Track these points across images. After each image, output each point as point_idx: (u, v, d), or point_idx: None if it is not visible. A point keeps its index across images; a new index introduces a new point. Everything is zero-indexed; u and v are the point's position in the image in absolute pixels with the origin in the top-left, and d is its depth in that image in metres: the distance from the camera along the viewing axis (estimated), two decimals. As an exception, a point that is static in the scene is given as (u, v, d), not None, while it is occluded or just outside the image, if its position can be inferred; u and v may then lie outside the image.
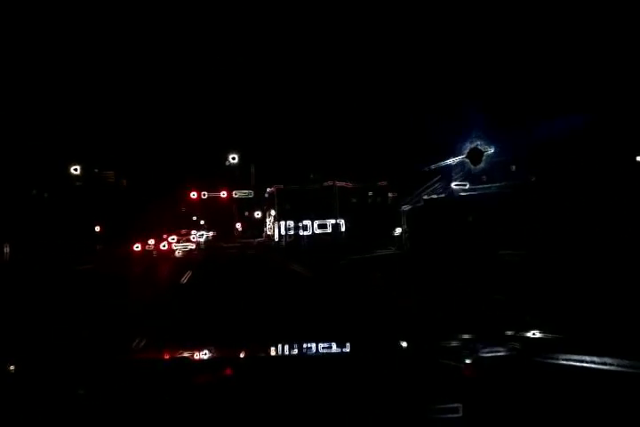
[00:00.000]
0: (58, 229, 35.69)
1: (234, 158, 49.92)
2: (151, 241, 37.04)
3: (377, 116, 47.43)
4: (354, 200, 54.51)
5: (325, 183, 54.76)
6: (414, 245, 19.19)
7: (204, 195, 53.47)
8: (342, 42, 56.33)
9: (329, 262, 20.03)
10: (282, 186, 54.77)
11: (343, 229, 53.88)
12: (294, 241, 48.86)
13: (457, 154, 18.61)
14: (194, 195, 52.86)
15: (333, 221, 54.50)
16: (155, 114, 56.48)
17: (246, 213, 65.17)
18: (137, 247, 34.28)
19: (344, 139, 49.72)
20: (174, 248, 40.03)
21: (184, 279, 16.03)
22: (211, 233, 77.58)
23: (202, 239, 63.91)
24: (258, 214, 62.34)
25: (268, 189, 57.33)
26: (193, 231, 62.15)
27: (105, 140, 45.16)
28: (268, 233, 60.21)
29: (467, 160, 17.85)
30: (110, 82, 52.70)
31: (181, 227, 54.61)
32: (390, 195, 56.03)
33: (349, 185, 54.94)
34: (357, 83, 52.27)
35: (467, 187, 18.39)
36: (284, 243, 50.98)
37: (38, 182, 34.82)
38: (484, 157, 17.17)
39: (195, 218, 71.87)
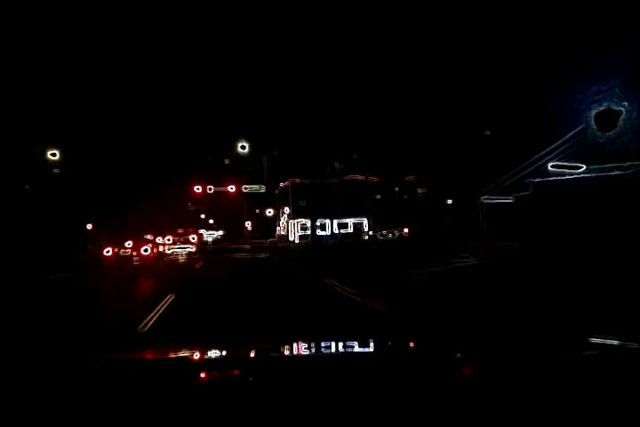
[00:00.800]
0: (35, 226, 29.81)
1: (243, 147, 43.76)
2: (128, 243, 26.92)
3: (403, 103, 41.22)
4: (378, 196, 48.02)
5: (346, 177, 48.49)
6: (527, 255, 12.69)
7: (210, 189, 47.47)
8: (368, 24, 49.86)
9: (391, 280, 12.70)
10: (297, 180, 48.63)
11: (366, 228, 47.60)
12: (314, 242, 42.60)
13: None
14: (198, 189, 46.90)
15: (355, 220, 48.26)
16: (159, 99, 50.76)
17: (257, 211, 59.05)
18: (107, 252, 25.41)
19: (365, 129, 43.37)
20: (168, 251, 32.83)
21: (153, 316, 8.85)
22: (220, 232, 72.05)
23: (210, 239, 58.04)
24: (270, 212, 56.18)
25: (282, 184, 51.15)
26: (202, 231, 56.18)
27: (97, 124, 39.32)
28: (282, 233, 54.10)
29: (593, 126, 11.71)
30: (113, 66, 47.08)
31: (189, 225, 48.42)
32: (420, 190, 49.54)
33: (373, 179, 48.59)
34: (374, 68, 46.13)
35: (582, 169, 12.32)
36: (296, 244, 44.77)
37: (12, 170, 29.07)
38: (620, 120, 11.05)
39: (203, 216, 66.14)
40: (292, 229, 48.02)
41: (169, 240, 34.24)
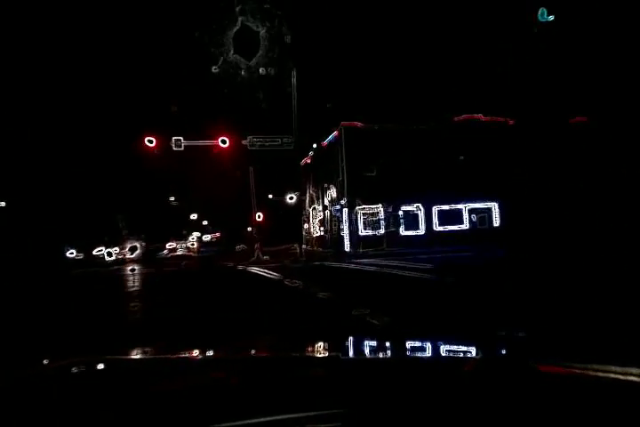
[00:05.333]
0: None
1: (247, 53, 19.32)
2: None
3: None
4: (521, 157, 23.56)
5: (457, 118, 23.86)
6: None
7: (179, 144, 22.97)
8: None
9: None
10: (358, 124, 23.95)
11: (498, 221, 23.24)
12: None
13: None
14: (151, 142, 22.40)
15: (477, 205, 23.78)
16: None
17: (270, 196, 34.20)
18: None
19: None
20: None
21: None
22: (209, 236, 47.61)
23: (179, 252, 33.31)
24: (292, 198, 31.33)
25: (329, 138, 26.30)
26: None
27: None
28: (318, 233, 29.43)
29: None
30: None
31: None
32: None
33: (508, 121, 24.08)
34: None
35: None
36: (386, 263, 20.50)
37: None
38: None
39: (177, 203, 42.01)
40: (347, 224, 23.38)
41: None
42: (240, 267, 18.79)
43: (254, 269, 16.55)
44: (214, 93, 23.42)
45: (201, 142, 23.18)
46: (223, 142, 22.67)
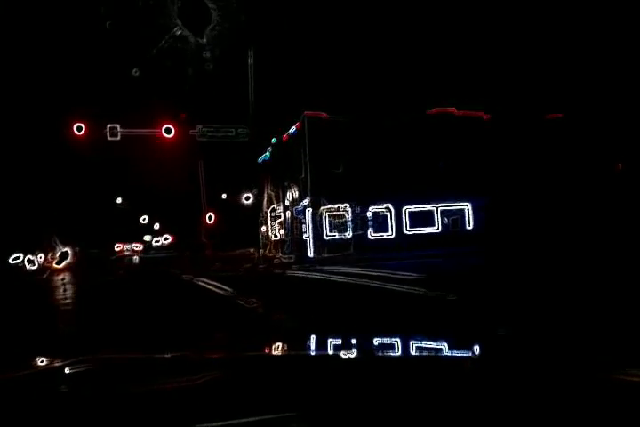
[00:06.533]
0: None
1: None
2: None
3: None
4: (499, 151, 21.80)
5: (429, 111, 21.82)
6: None
7: (115, 132, 19.76)
8: None
9: None
10: (323, 115, 21.46)
11: (472, 223, 21.41)
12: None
13: None
14: (79, 129, 19.05)
15: (448, 206, 21.86)
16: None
17: (224, 197, 31.28)
18: None
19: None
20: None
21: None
22: (160, 240, 44.50)
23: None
24: (248, 198, 28.45)
25: (290, 131, 23.48)
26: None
27: None
28: (278, 237, 26.62)
29: None
30: None
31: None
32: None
33: (482, 116, 22.31)
34: None
35: None
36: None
37: None
38: None
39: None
40: (311, 226, 20.74)
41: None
42: (185, 277, 15.82)
43: (202, 281, 13.65)
44: (159, 75, 20.31)
45: (142, 131, 20.00)
46: (168, 132, 19.59)
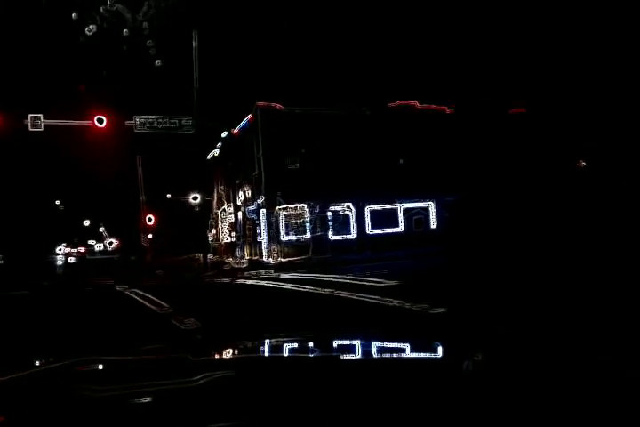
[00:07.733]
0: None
1: None
2: None
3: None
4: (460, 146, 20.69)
5: (391, 104, 20.43)
6: None
7: (36, 123, 17.09)
8: None
9: None
10: (278, 106, 19.57)
11: (435, 222, 20.22)
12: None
13: None
14: (-8, 117, 16.33)
15: (413, 204, 20.55)
16: None
17: (168, 196, 28.75)
18: None
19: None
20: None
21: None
22: (102, 245, 41.61)
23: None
24: (196, 198, 26.12)
25: (242, 124, 21.43)
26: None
27: None
28: (228, 240, 24.47)
29: None
30: None
31: None
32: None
33: (445, 110, 21.21)
34: None
35: None
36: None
37: None
38: None
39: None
40: (265, 227, 18.80)
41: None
42: (119, 288, 13.55)
43: (135, 293, 11.50)
44: (90, 60, 17.86)
45: (69, 122, 17.47)
46: (100, 122, 17.18)
